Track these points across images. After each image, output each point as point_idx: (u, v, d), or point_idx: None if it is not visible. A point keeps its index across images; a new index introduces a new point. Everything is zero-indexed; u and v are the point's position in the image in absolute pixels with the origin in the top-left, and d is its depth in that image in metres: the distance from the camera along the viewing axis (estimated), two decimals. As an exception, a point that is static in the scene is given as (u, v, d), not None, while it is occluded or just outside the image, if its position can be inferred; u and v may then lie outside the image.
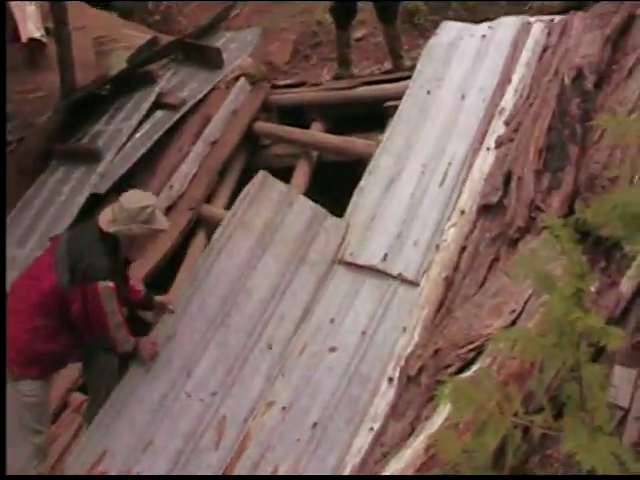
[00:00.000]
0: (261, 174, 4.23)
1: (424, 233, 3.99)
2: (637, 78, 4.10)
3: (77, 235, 3.57)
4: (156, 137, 5.33)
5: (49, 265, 3.42)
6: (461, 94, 4.70)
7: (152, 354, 3.63)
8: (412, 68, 5.21)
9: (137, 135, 5.39)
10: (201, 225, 5.04)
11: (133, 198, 3.47)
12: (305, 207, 4.24)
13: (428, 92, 4.81)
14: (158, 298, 3.84)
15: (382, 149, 4.57)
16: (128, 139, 5.34)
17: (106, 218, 3.43)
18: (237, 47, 6.38)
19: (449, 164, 4.29)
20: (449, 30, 5.23)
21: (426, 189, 4.23)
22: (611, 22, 4.52)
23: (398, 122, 4.71)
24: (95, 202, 5.03)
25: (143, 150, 5.24)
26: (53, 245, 3.54)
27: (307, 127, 5.57)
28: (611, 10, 4.62)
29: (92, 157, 5.26)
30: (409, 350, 3.50)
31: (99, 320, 3.35)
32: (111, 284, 3.32)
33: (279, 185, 4.28)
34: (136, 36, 6.20)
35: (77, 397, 4.23)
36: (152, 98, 5.60)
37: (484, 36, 5.00)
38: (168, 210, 4.98)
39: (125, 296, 3.56)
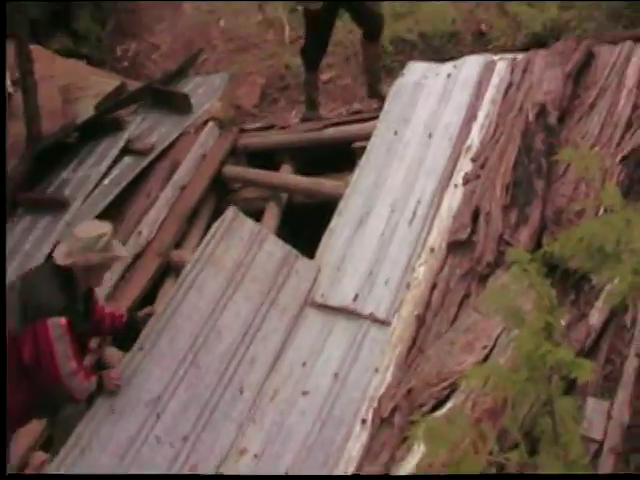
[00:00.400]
0: (231, 210, 4.25)
1: (395, 272, 4.01)
2: (598, 112, 4.22)
3: (29, 276, 3.53)
4: (124, 183, 5.33)
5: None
6: (428, 133, 4.78)
7: (116, 386, 3.55)
8: (379, 109, 5.29)
9: (105, 182, 5.37)
10: (171, 271, 5.01)
11: (87, 228, 3.47)
12: (276, 247, 4.26)
13: (395, 132, 4.88)
14: (141, 313, 3.82)
15: (351, 189, 4.61)
16: (96, 186, 5.33)
17: (61, 252, 3.39)
18: (206, 92, 6.44)
19: (418, 202, 4.34)
20: (415, 70, 5.34)
21: (395, 228, 4.27)
22: (571, 59, 4.65)
23: (366, 162, 4.77)
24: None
25: (111, 197, 5.23)
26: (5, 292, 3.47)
27: (276, 170, 5.60)
28: (571, 47, 4.76)
29: (58, 205, 5.24)
30: (382, 391, 3.48)
31: (51, 364, 3.26)
32: (62, 321, 3.25)
33: (249, 223, 4.29)
34: (104, 83, 6.23)
35: (39, 456, 4.04)
36: (120, 144, 5.61)
37: (449, 75, 5.10)
38: (137, 257, 4.95)
39: (90, 329, 3.51)
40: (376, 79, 5.93)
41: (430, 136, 4.75)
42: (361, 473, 3.22)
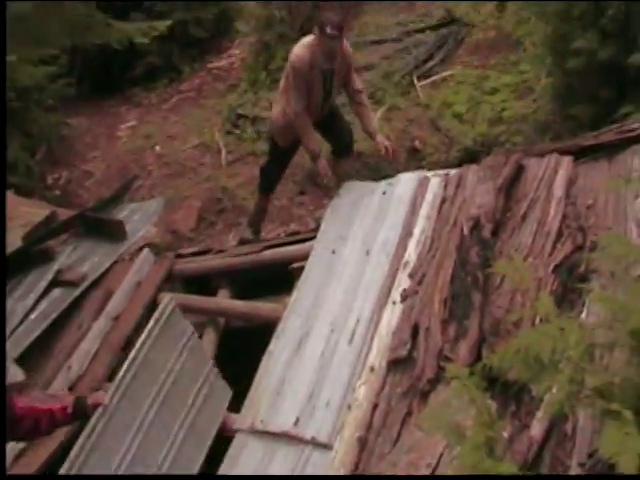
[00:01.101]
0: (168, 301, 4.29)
1: (335, 393, 4.05)
2: (530, 223, 4.45)
3: None
4: (53, 316, 5.30)
5: None
6: (365, 250, 4.95)
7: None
8: (317, 229, 5.48)
9: (32, 316, 5.33)
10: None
11: None
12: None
13: (333, 251, 5.05)
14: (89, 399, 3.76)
15: (289, 311, 4.70)
16: (22, 321, 5.28)
17: None
18: (141, 218, 6.55)
19: (357, 321, 4.44)
20: (351, 189, 5.58)
21: (335, 348, 4.34)
22: (502, 173, 4.92)
23: (305, 283, 4.89)
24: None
25: (38, 332, 5.17)
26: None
27: (214, 294, 5.67)
28: (501, 162, 5.04)
29: (-19, 342, 5.18)
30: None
31: None
32: None
33: (184, 322, 4.32)
34: (33, 213, 6.30)
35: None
36: (49, 276, 5.62)
37: (384, 193, 5.35)
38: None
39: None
40: None
41: (368, 253, 4.92)
42: None
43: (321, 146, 5.65)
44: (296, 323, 4.61)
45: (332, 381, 4.13)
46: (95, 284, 5.69)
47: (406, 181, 5.38)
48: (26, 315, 5.33)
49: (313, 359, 4.31)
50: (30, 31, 7.22)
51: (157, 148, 9.34)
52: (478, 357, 3.71)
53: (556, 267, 4.03)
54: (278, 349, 4.47)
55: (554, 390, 2.83)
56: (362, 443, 3.68)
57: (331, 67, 5.38)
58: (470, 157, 6.33)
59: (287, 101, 5.47)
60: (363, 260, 4.90)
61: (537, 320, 3.60)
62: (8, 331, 5.19)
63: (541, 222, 4.40)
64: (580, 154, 4.91)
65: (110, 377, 5.07)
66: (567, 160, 4.84)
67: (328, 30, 5.14)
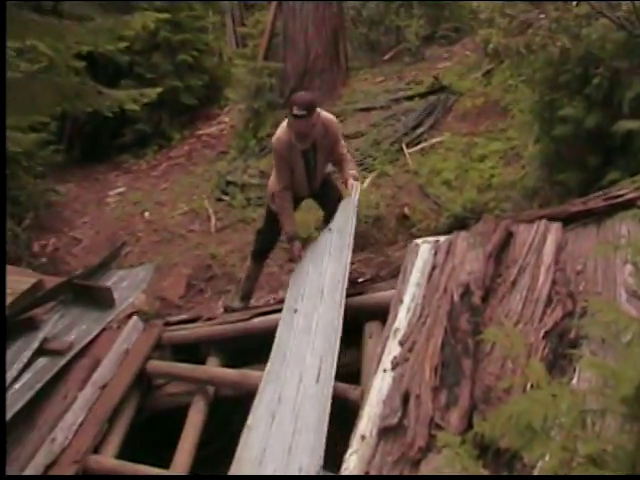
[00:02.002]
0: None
1: (307, 459, 4.04)
2: (520, 290, 4.50)
3: None
4: (38, 386, 5.28)
5: None
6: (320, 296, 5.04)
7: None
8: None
9: (16, 386, 5.30)
10: None
11: None
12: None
13: (295, 310, 5.19)
14: None
15: (264, 381, 4.73)
16: (5, 392, 5.24)
17: None
18: (130, 285, 6.60)
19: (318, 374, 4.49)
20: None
21: (300, 412, 4.36)
22: (491, 239, 4.99)
23: (275, 350, 4.99)
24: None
25: (21, 403, 5.13)
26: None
27: (202, 362, 5.67)
28: (490, 228, 5.13)
29: (-37, 414, 5.13)
30: None
31: None
32: None
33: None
34: (19, 281, 6.33)
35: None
36: (35, 345, 5.62)
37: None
38: (49, 466, 4.81)
39: None
40: None
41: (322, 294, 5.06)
42: None
43: (296, 228, 5.78)
44: (270, 391, 4.64)
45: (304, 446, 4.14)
46: (82, 352, 5.70)
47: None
48: (10, 385, 5.30)
49: (286, 424, 4.33)
50: (21, 99, 7.37)
51: (146, 214, 9.44)
52: (469, 425, 3.70)
53: (546, 333, 4.07)
54: (256, 421, 4.47)
55: (546, 458, 2.84)
56: (354, 513, 3.66)
57: (311, 146, 5.49)
58: (459, 224, 6.42)
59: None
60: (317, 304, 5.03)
61: (528, 387, 3.61)
62: (-10, 403, 5.17)
63: (531, 288, 4.45)
64: (569, 220, 5.00)
65: (96, 449, 5.03)
66: (556, 226, 4.93)
67: (295, 110, 5.25)
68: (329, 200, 5.94)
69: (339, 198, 5.97)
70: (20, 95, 7.32)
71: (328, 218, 6.00)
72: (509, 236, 5.03)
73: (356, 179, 5.76)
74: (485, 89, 9.55)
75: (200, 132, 12.11)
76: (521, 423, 2.83)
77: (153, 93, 7.95)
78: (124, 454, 5.09)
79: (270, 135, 7.03)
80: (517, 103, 7.98)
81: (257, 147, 10.21)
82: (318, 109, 5.46)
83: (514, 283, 4.58)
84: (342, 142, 5.80)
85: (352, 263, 6.48)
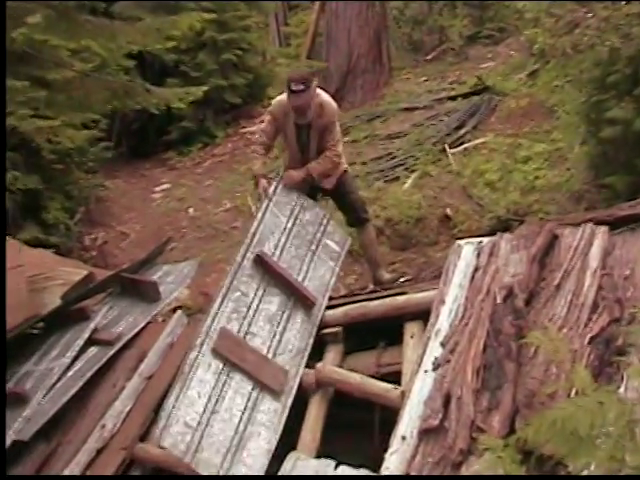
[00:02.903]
0: None
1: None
2: (564, 294, 4.43)
3: None
4: (89, 374, 5.36)
5: None
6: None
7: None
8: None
9: (69, 373, 5.40)
10: (134, 466, 4.96)
11: None
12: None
13: None
14: None
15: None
16: (59, 378, 5.35)
17: None
18: (174, 280, 6.63)
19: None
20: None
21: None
22: (536, 242, 4.91)
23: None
24: (19, 451, 4.91)
25: (74, 389, 5.23)
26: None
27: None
28: (535, 231, 5.04)
29: (18, 400, 5.22)
30: None
31: None
32: None
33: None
34: (72, 272, 6.42)
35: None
36: (86, 334, 5.69)
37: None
38: (100, 450, 4.91)
39: None
40: (374, 265, 6.14)
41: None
42: None
43: (261, 170, 5.77)
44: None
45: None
46: (129, 344, 5.75)
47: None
48: (63, 373, 5.40)
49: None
50: (75, 97, 7.49)
51: (190, 211, 9.53)
52: (511, 429, 3.68)
53: (592, 339, 4.00)
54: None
55: (592, 467, 2.80)
56: (394, 513, 3.65)
57: (305, 122, 5.58)
58: (502, 225, 6.36)
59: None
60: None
61: (573, 393, 3.57)
62: (45, 389, 5.28)
63: (576, 293, 4.37)
64: (616, 224, 4.89)
65: (142, 437, 5.09)
66: (603, 230, 4.82)
67: (292, 86, 5.41)
68: (349, 203, 5.96)
69: (358, 201, 6.02)
70: (75, 93, 7.44)
71: (351, 220, 6.03)
72: (554, 239, 4.94)
73: (309, 175, 5.72)
74: (530, 90, 9.44)
75: (243, 130, 12.16)
76: (566, 429, 2.79)
77: (199, 91, 8.02)
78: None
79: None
80: (563, 104, 7.89)
81: (299, 144, 10.21)
82: (318, 89, 5.61)
83: (558, 287, 4.50)
84: (337, 130, 5.80)
85: (393, 263, 6.54)
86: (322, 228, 5.72)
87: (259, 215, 5.57)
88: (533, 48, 7.42)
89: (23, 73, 7.26)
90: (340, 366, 5.19)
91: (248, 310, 5.20)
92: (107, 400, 5.26)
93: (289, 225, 5.60)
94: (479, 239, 5.42)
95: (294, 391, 5.01)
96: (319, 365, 5.08)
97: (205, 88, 8.40)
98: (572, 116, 6.90)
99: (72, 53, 7.69)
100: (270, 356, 5.10)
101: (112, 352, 5.59)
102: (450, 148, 8.86)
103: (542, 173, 7.44)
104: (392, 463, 3.93)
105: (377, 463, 4.04)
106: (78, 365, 5.49)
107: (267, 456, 4.64)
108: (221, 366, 4.89)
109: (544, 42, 6.39)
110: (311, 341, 5.31)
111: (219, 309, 5.12)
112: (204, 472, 4.48)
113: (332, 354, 5.29)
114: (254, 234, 5.46)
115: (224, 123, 12.30)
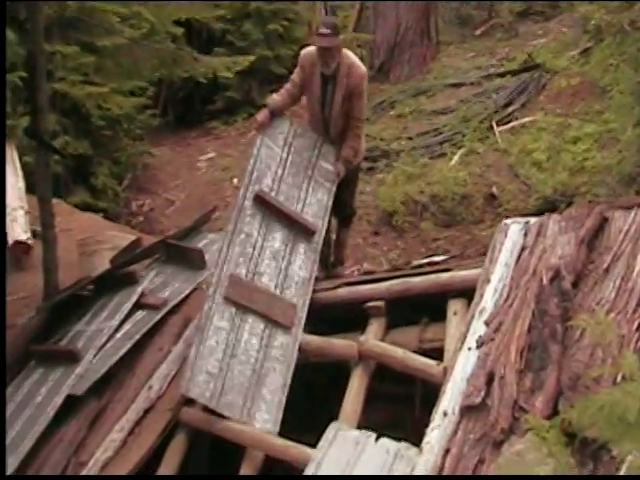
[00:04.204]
0: None
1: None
2: (613, 278, 4.38)
3: None
4: (137, 337, 5.50)
5: None
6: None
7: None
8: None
9: (118, 335, 5.54)
10: (179, 428, 5.08)
11: None
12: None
13: None
14: None
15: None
16: (108, 339, 5.50)
17: None
18: (219, 248, 6.70)
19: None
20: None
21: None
22: (584, 224, 4.85)
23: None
24: (72, 404, 5.09)
25: (123, 350, 5.37)
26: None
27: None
28: (584, 213, 4.97)
29: (71, 358, 5.38)
30: None
31: None
32: None
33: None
34: (120, 237, 6.54)
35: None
36: (134, 298, 5.81)
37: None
38: (147, 411, 5.05)
39: None
40: (338, 261, 6.17)
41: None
42: None
43: (273, 105, 5.70)
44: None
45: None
46: (175, 309, 5.86)
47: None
48: (112, 334, 5.55)
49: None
50: (121, 64, 7.55)
51: (235, 181, 9.57)
52: (554, 411, 3.68)
53: (641, 325, 3.97)
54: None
55: (637, 453, 2.79)
56: (434, 487, 3.70)
57: (332, 74, 5.54)
58: (549, 206, 6.29)
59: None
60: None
61: (619, 378, 3.55)
62: (96, 349, 5.43)
63: (625, 277, 4.32)
64: (670, 209, 4.82)
65: (187, 401, 5.21)
66: (656, 215, 4.76)
67: (321, 29, 5.45)
68: (340, 201, 5.93)
69: (348, 204, 6.04)
70: (123, 60, 7.49)
71: (338, 219, 6.04)
72: (603, 222, 4.86)
73: (348, 163, 5.73)
74: (582, 68, 9.25)
75: (288, 101, 12.11)
76: (613, 414, 2.77)
77: (245, 61, 8.03)
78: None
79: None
80: (617, 84, 7.68)
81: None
82: (350, 53, 5.63)
83: (607, 271, 4.44)
84: (364, 102, 5.77)
85: (437, 239, 6.53)
86: (317, 151, 5.75)
87: (254, 152, 5.61)
88: (587, 25, 7.24)
89: (73, 38, 7.33)
90: (382, 340, 5.22)
91: (254, 250, 5.32)
92: (154, 363, 5.40)
93: (284, 155, 5.65)
94: (526, 219, 5.38)
95: (303, 322, 5.28)
96: (362, 338, 5.12)
97: (252, 58, 8.39)
98: (626, 96, 6.73)
99: (122, 19, 7.74)
100: (278, 292, 5.28)
101: (158, 317, 5.71)
102: (497, 126, 8.77)
103: (592, 154, 7.33)
104: (433, 438, 3.96)
105: (418, 438, 4.08)
106: (126, 327, 5.63)
107: (283, 391, 4.87)
108: (234, 311, 5.05)
109: (600, 18, 6.24)
110: (315, 267, 5.56)
111: (227, 255, 5.23)
112: (228, 414, 4.76)
113: (375, 327, 5.31)
114: (251, 172, 5.52)
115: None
